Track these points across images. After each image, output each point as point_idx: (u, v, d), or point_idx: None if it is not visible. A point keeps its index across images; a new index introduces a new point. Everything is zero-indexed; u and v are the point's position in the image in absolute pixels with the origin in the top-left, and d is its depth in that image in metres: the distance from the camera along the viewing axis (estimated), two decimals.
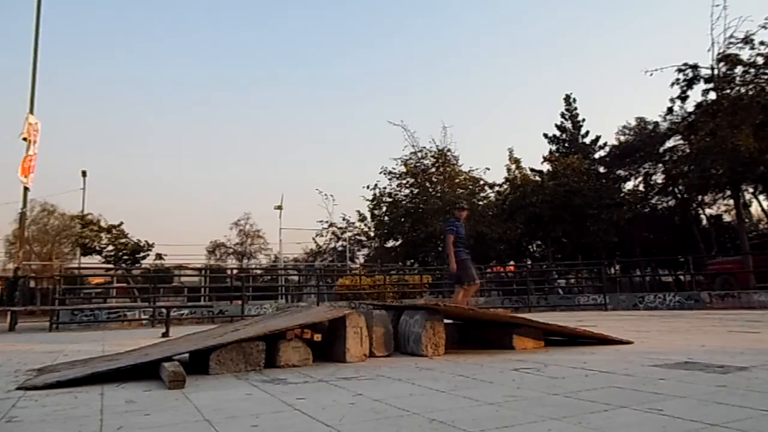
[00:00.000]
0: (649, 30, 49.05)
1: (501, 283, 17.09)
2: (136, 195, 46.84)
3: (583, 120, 27.07)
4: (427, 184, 20.35)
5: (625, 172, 24.82)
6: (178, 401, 2.21)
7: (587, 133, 26.85)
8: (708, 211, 25.73)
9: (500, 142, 63.22)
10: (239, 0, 51.02)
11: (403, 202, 20.53)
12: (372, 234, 23.49)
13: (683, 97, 17.47)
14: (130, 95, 50.40)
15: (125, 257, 19.38)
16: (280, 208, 23.64)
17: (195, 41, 52.99)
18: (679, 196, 23.66)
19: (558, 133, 27.19)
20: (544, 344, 3.98)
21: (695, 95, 17.20)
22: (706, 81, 16.63)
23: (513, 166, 24.21)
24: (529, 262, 24.51)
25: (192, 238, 63.47)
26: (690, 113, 17.80)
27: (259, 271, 26.16)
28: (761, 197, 21.80)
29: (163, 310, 8.50)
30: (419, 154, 20.64)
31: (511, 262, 25.19)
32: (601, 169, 25.08)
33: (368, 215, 22.42)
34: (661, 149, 22.41)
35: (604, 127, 55.95)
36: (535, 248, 26.88)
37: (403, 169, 20.59)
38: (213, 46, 53.23)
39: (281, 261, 24.97)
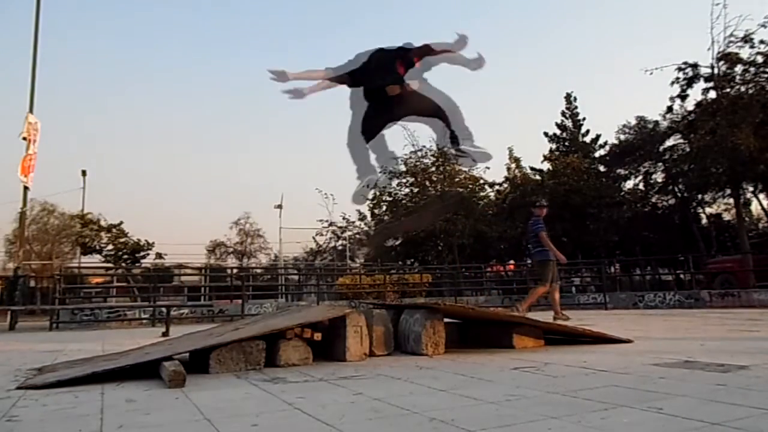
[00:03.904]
0: (649, 29, 49.06)
1: (501, 281, 17.08)
2: (136, 194, 46.87)
3: (584, 119, 27.05)
4: (427, 183, 20.34)
5: (625, 171, 24.84)
6: (178, 400, 2.21)
7: (587, 132, 26.83)
8: (708, 209, 25.76)
9: (500, 141, 63.15)
10: None
11: (403, 201, 20.53)
12: (372, 233, 23.48)
13: (683, 96, 17.48)
14: (131, 95, 50.44)
15: (125, 256, 19.41)
16: (280, 207, 23.68)
17: (195, 40, 53.01)
18: (679, 194, 23.67)
19: (558, 132, 27.16)
20: (544, 343, 3.98)
21: (695, 94, 17.22)
22: (706, 80, 16.63)
23: (513, 165, 24.22)
24: (529, 262, 24.49)
25: (192, 237, 63.56)
26: (690, 112, 17.80)
27: (259, 271, 26.18)
28: (761, 196, 21.81)
29: (163, 310, 8.50)
30: (419, 153, 20.63)
31: (511, 261, 25.21)
32: (601, 168, 25.09)
33: (368, 214, 22.43)
34: (661, 148, 22.42)
35: (605, 126, 55.90)
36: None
37: (402, 168, 20.58)
38: (213, 45, 53.26)
39: (281, 260, 24.99)
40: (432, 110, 3.63)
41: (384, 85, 3.40)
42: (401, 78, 3.41)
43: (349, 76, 3.59)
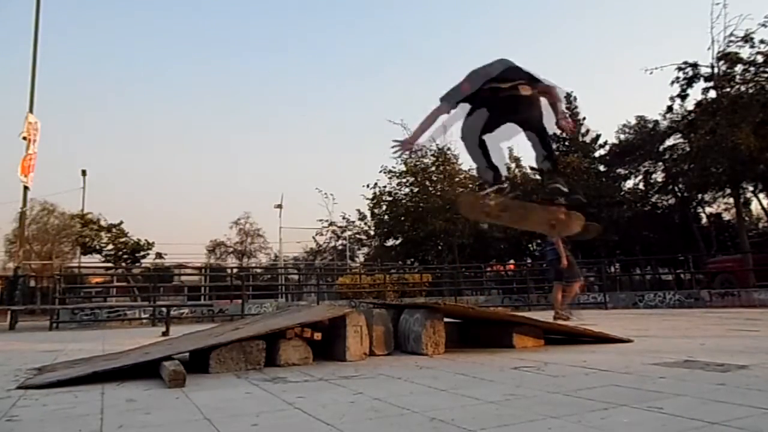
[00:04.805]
0: (649, 29, 49.03)
1: (501, 281, 17.07)
2: (136, 194, 46.87)
3: (584, 118, 26.99)
4: (427, 182, 20.32)
5: (625, 171, 24.83)
6: (178, 400, 2.21)
7: (587, 131, 26.80)
8: (708, 209, 25.75)
9: None
10: None
11: (403, 201, 20.52)
12: (372, 233, 23.48)
13: (683, 96, 17.46)
14: (131, 95, 50.43)
15: (125, 256, 19.37)
16: (280, 206, 23.67)
17: (194, 39, 53.01)
18: (679, 194, 23.66)
19: (558, 132, 27.09)
20: (544, 343, 3.98)
21: (695, 94, 17.20)
22: (706, 79, 16.61)
23: (513, 165, 24.20)
24: (529, 261, 24.54)
25: (192, 237, 63.58)
26: (690, 112, 17.78)
27: (259, 270, 26.19)
28: (761, 195, 21.79)
29: (163, 309, 8.50)
30: (419, 153, 20.61)
31: (511, 261, 25.21)
32: (601, 168, 25.08)
33: (368, 214, 22.41)
34: (661, 148, 22.41)
35: (604, 125, 55.91)
36: (535, 246, 26.89)
37: (403, 168, 20.57)
38: (213, 45, 53.24)
39: (281, 260, 24.99)
40: (538, 123, 3.61)
41: (508, 79, 3.39)
42: (525, 82, 3.42)
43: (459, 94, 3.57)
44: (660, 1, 46.22)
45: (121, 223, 20.22)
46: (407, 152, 3.64)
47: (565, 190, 3.76)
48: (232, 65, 53.66)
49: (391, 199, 20.80)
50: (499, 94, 3.39)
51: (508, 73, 3.48)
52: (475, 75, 3.61)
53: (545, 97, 3.56)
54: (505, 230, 21.14)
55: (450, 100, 3.59)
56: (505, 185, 3.80)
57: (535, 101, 3.51)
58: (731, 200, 19.84)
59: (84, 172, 23.82)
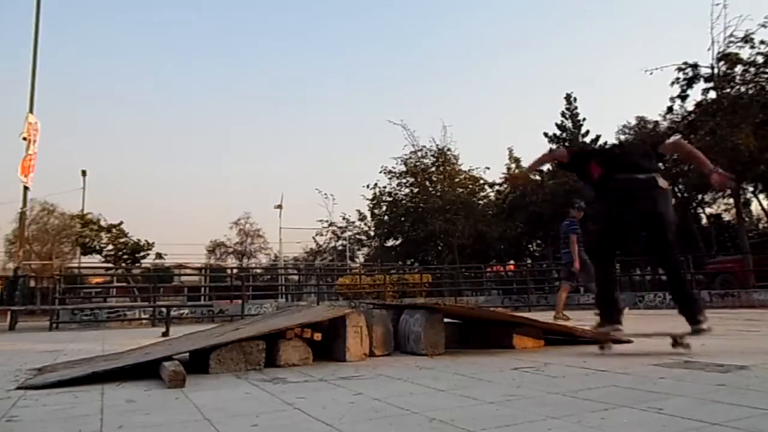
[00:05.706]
0: (649, 29, 49.06)
1: (501, 282, 17.07)
2: (136, 194, 46.89)
3: (584, 119, 27.00)
4: (427, 183, 20.35)
5: None
6: (178, 400, 2.21)
7: (587, 132, 26.80)
8: (708, 210, 25.74)
9: (500, 141, 63.22)
10: None
11: (403, 202, 20.53)
12: (372, 233, 23.48)
13: (683, 96, 17.45)
14: (131, 95, 50.46)
15: (125, 256, 19.40)
16: (280, 207, 23.67)
17: (196, 40, 53.03)
18: (679, 194, 23.66)
19: (558, 132, 27.11)
20: (544, 343, 3.98)
21: (695, 94, 17.18)
22: (706, 80, 16.61)
23: (513, 165, 24.21)
24: (529, 261, 24.54)
25: (192, 237, 63.61)
26: (690, 112, 17.77)
27: (259, 271, 26.19)
28: (761, 196, 21.80)
29: (163, 310, 8.50)
30: (419, 154, 20.63)
31: (511, 261, 25.21)
32: None
33: (368, 214, 22.42)
34: None
35: (605, 126, 55.95)
36: (535, 247, 26.87)
37: (403, 168, 20.58)
38: (213, 45, 53.27)
39: (281, 260, 24.99)
40: (664, 223, 3.33)
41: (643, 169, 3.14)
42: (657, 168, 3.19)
43: (582, 155, 3.43)
44: (660, 1, 46.27)
45: (121, 223, 20.27)
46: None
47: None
48: (232, 65, 53.72)
49: (391, 199, 20.82)
50: (614, 175, 3.02)
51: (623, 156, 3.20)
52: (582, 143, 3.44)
53: (678, 153, 3.30)
54: (504, 231, 21.15)
55: (558, 151, 3.55)
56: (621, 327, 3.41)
57: (662, 189, 3.24)
58: (731, 201, 19.84)
59: (84, 172, 23.90)
